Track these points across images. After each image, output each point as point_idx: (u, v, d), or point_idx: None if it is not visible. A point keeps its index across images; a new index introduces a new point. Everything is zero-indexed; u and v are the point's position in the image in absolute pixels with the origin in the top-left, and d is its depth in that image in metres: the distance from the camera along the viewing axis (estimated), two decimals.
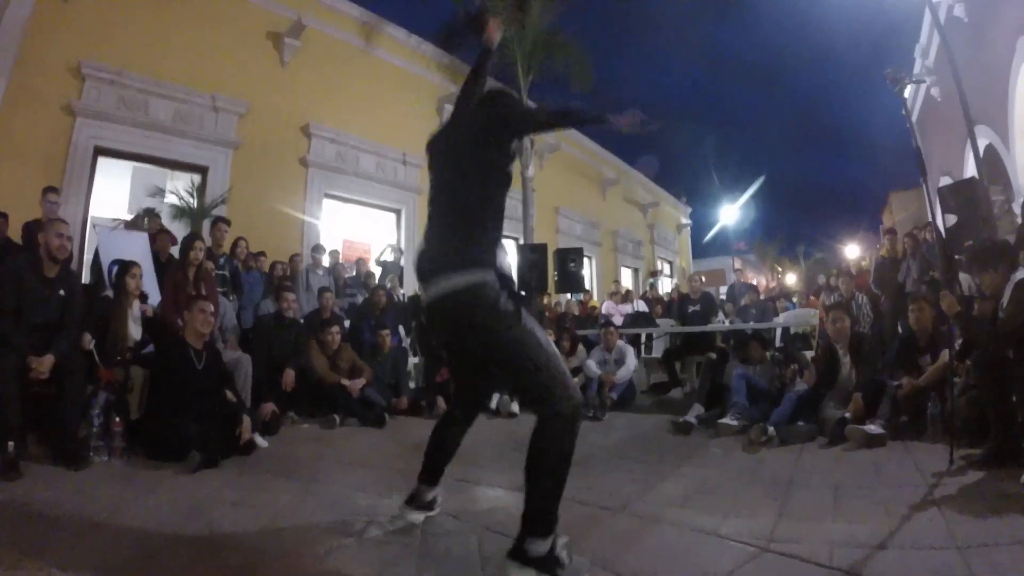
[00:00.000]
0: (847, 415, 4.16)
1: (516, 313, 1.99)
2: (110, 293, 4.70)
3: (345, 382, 5.56)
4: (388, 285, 8.77)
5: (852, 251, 27.44)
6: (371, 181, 11.84)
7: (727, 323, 8.62)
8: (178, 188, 8.55)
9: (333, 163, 11.13)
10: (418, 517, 2.46)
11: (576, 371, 6.43)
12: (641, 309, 11.09)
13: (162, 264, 5.73)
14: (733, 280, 13.44)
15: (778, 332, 7.88)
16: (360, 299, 8.09)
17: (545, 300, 10.11)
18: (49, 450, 3.50)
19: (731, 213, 29.98)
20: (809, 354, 6.40)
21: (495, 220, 2.14)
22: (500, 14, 2.64)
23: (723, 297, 12.75)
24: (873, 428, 3.90)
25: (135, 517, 2.53)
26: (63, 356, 3.61)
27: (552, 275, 8.98)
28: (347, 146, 11.37)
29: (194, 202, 8.44)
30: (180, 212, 8.28)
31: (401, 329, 7.75)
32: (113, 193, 8.85)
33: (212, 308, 4.44)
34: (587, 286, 13.31)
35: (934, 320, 4.51)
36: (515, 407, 5.73)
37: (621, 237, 20.61)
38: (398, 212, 12.50)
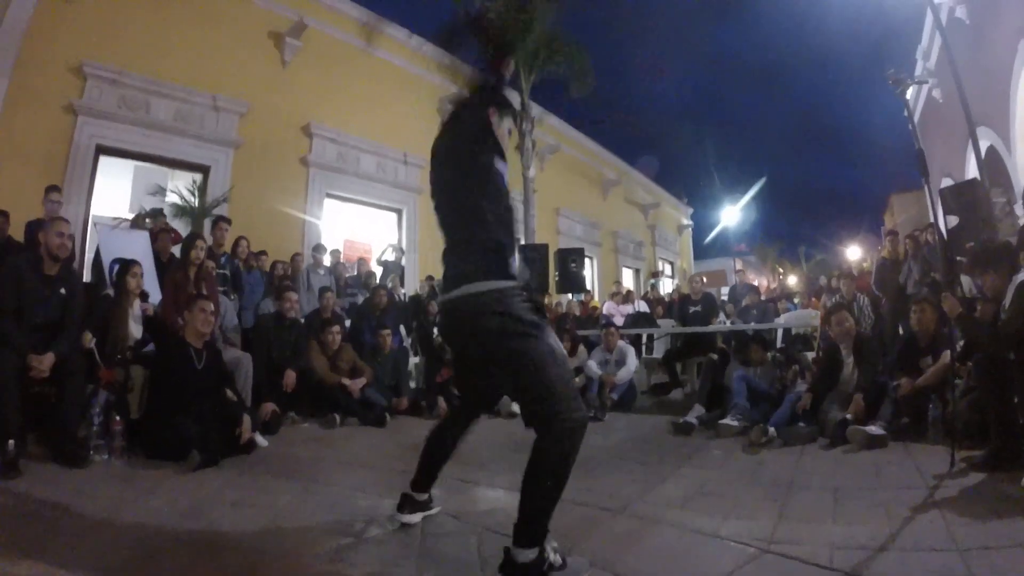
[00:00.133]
0: (848, 416, 4.16)
1: (537, 323, 1.99)
2: (111, 292, 4.70)
3: (346, 381, 5.56)
4: (389, 285, 8.77)
5: (853, 253, 27.45)
6: (372, 181, 11.87)
7: (728, 324, 8.60)
8: (179, 187, 8.56)
9: (334, 163, 11.15)
10: (415, 518, 2.46)
11: (577, 371, 6.42)
12: (642, 310, 11.09)
13: (163, 263, 5.73)
14: (734, 281, 13.43)
15: (779, 333, 7.87)
16: (361, 299, 8.09)
17: (546, 300, 10.10)
18: (49, 450, 3.49)
19: (732, 214, 30.07)
20: (810, 355, 6.40)
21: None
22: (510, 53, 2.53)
23: (724, 298, 12.74)
24: (874, 429, 3.90)
25: (135, 517, 2.53)
26: (63, 355, 3.61)
27: (553, 276, 8.97)
28: (348, 146, 11.40)
29: (195, 201, 8.44)
30: (181, 211, 8.28)
31: (402, 329, 7.75)
32: (114, 192, 8.86)
33: (212, 307, 4.44)
34: (588, 287, 13.30)
35: (936, 322, 4.51)
36: (515, 407, 5.72)
37: (622, 238, 20.63)
38: (399, 212, 12.52)
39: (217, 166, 9.41)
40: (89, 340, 4.08)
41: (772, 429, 4.28)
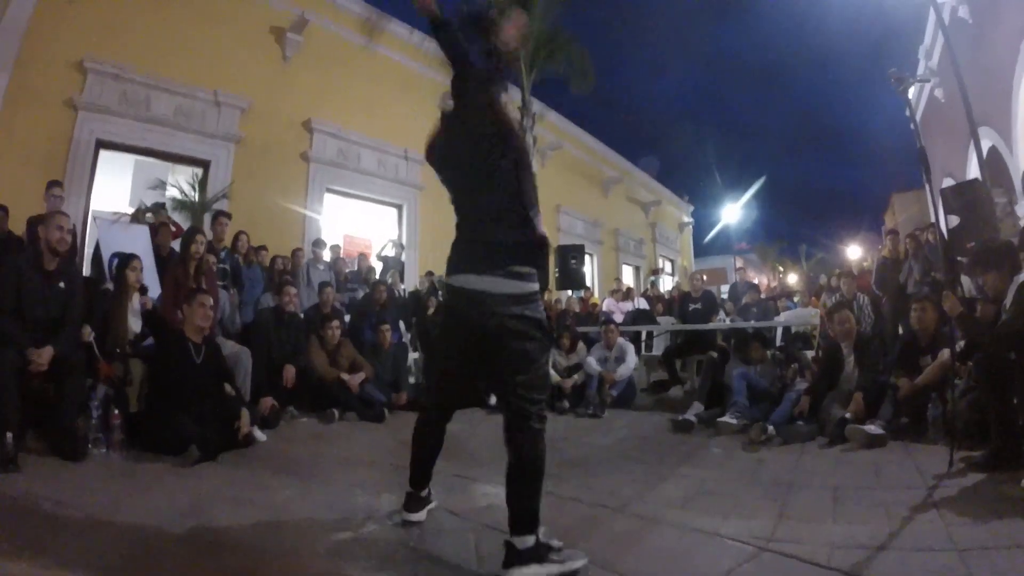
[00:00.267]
0: (848, 415, 4.16)
1: (548, 329, 2.12)
2: (110, 286, 4.69)
3: (344, 377, 5.56)
4: (389, 281, 8.76)
5: (854, 252, 27.41)
6: (373, 177, 11.84)
7: (728, 322, 8.60)
8: (179, 182, 8.55)
9: (335, 159, 11.13)
10: (421, 516, 2.46)
11: (576, 368, 6.43)
12: (642, 307, 11.08)
13: (162, 258, 5.72)
14: (735, 279, 13.42)
15: (779, 331, 7.87)
16: (360, 294, 8.08)
17: (546, 297, 10.09)
18: (48, 444, 3.49)
19: (733, 212, 29.99)
20: (810, 354, 6.40)
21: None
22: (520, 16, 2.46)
23: (724, 296, 12.73)
24: (874, 428, 3.90)
25: (134, 514, 2.52)
26: (63, 352, 3.60)
27: (553, 272, 8.96)
28: (349, 142, 11.37)
29: (195, 196, 8.43)
30: (181, 206, 8.27)
31: (401, 325, 7.74)
32: (115, 188, 8.83)
33: (212, 302, 4.44)
34: (588, 283, 13.28)
35: (936, 321, 4.50)
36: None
37: (623, 235, 20.62)
38: (399, 208, 12.50)
39: (218, 161, 9.38)
40: (88, 334, 4.08)
41: (771, 427, 4.29)
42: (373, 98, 11.75)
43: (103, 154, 8.23)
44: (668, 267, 24.42)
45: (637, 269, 21.63)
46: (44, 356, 3.49)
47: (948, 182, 11.99)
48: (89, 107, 7.92)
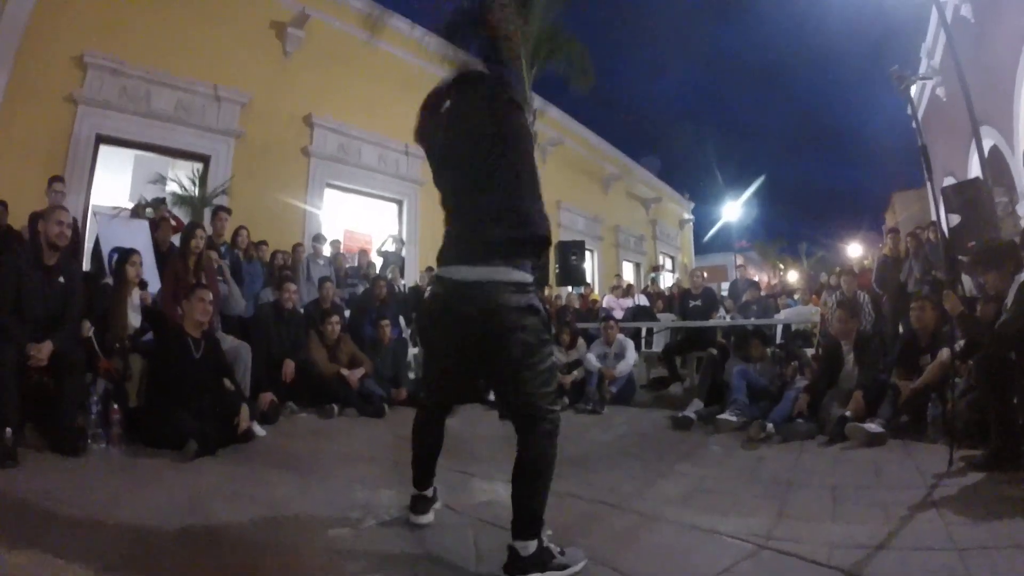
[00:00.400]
0: (848, 413, 4.15)
1: (549, 325, 2.07)
2: (110, 281, 4.69)
3: (344, 372, 5.55)
4: (389, 276, 8.76)
5: (854, 250, 27.40)
6: (373, 172, 11.84)
7: (728, 319, 8.60)
8: (180, 176, 8.53)
9: (335, 154, 11.12)
10: (429, 517, 2.43)
11: (576, 364, 6.43)
12: (642, 303, 11.08)
13: (162, 253, 5.70)
14: (735, 276, 13.40)
15: (779, 329, 7.87)
16: (360, 289, 8.08)
17: (546, 293, 10.10)
18: (47, 439, 3.48)
19: (733, 210, 29.91)
20: (810, 352, 6.40)
21: None
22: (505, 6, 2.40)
23: (724, 293, 12.72)
24: (873, 427, 3.90)
25: (133, 509, 2.51)
26: (63, 348, 3.59)
27: (553, 268, 8.96)
28: (349, 137, 11.37)
29: (195, 191, 8.42)
30: (181, 200, 8.26)
31: (401, 320, 7.74)
32: (115, 182, 8.83)
33: (211, 297, 4.43)
34: (588, 280, 13.27)
35: (936, 320, 4.50)
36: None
37: (623, 232, 20.60)
38: (400, 203, 12.49)
39: (218, 156, 9.37)
40: (88, 329, 4.07)
41: (771, 425, 4.29)
42: (374, 93, 11.71)
43: (103, 149, 8.24)
44: (668, 264, 24.40)
45: (637, 266, 21.62)
46: (43, 352, 3.48)
47: (949, 181, 11.97)
48: (89, 102, 7.91)
